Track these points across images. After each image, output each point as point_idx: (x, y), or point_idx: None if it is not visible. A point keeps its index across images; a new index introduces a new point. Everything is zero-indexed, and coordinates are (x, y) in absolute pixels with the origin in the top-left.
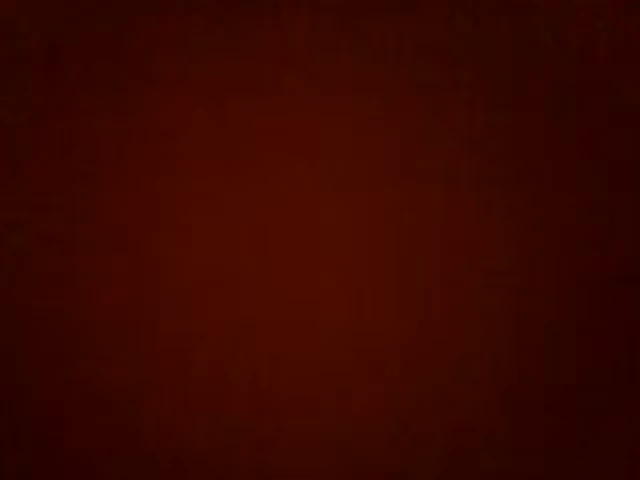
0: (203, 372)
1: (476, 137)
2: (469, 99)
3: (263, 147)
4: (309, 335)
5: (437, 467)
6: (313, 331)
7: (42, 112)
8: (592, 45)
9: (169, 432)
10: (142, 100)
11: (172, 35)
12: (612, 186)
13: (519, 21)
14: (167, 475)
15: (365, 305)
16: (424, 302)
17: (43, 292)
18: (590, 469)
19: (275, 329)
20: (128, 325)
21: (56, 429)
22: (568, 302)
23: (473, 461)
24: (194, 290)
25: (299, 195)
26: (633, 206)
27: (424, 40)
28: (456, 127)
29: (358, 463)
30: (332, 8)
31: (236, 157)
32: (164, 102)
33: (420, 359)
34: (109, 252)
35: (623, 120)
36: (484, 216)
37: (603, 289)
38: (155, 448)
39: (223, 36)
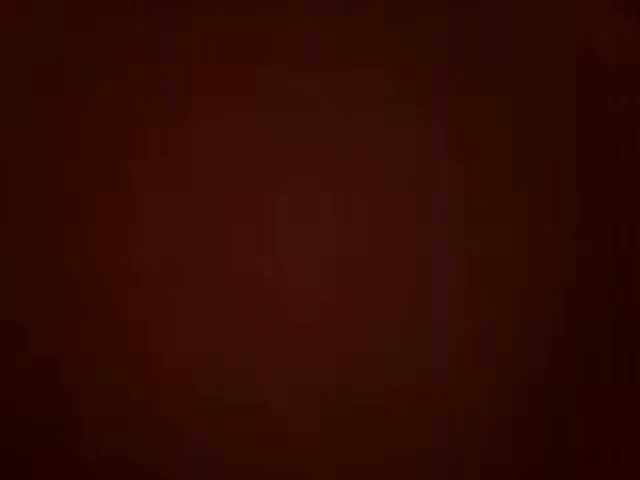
0: (202, 375)
1: (477, 142)
2: (469, 104)
3: (262, 150)
4: (314, 341)
5: (436, 461)
6: (317, 336)
7: (41, 114)
8: (594, 48)
9: (167, 442)
10: (143, 102)
11: (172, 38)
12: (614, 190)
13: (520, 26)
14: None
15: (366, 305)
16: (423, 304)
17: (41, 296)
18: (590, 469)
19: (276, 333)
20: (127, 327)
21: (53, 435)
22: (569, 305)
23: (473, 460)
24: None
25: (300, 198)
26: (634, 208)
27: (425, 42)
28: (455, 132)
29: (359, 463)
30: (326, 9)
31: (235, 157)
32: (164, 103)
33: (420, 360)
34: (108, 255)
35: (626, 123)
36: (484, 218)
37: (604, 292)
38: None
39: (222, 39)
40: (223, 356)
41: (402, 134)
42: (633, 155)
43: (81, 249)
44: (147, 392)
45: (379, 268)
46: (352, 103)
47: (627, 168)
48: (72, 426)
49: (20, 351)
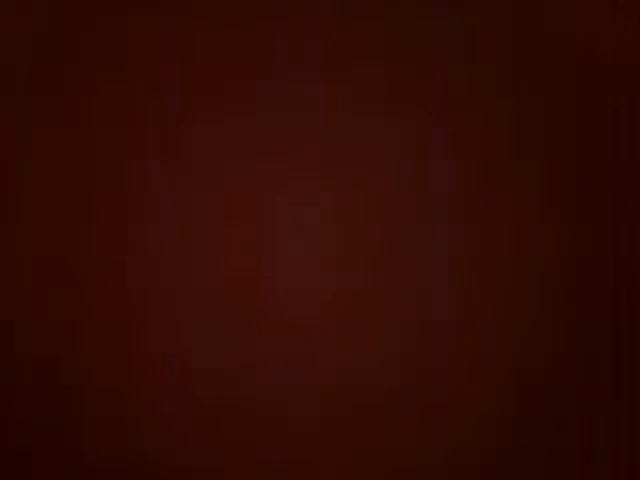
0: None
1: (477, 142)
2: (469, 104)
3: (262, 150)
4: (316, 344)
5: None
6: (320, 337)
7: (41, 114)
8: (595, 50)
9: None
10: (143, 102)
11: (172, 38)
12: (614, 190)
13: (522, 25)
14: None
15: (366, 305)
16: (423, 304)
17: (41, 296)
18: (589, 468)
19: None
20: (127, 330)
21: (54, 438)
22: (569, 305)
23: (473, 460)
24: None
25: (299, 200)
26: (634, 208)
27: (425, 42)
28: (455, 132)
29: (358, 463)
30: (326, 9)
31: (235, 157)
32: (164, 103)
33: (420, 360)
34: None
35: (626, 123)
36: (483, 218)
37: (604, 292)
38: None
39: (222, 39)
40: (223, 356)
41: (402, 134)
42: (633, 155)
43: (81, 249)
44: (147, 392)
45: (379, 268)
46: (352, 103)
47: (627, 168)
48: (72, 426)
49: (20, 351)
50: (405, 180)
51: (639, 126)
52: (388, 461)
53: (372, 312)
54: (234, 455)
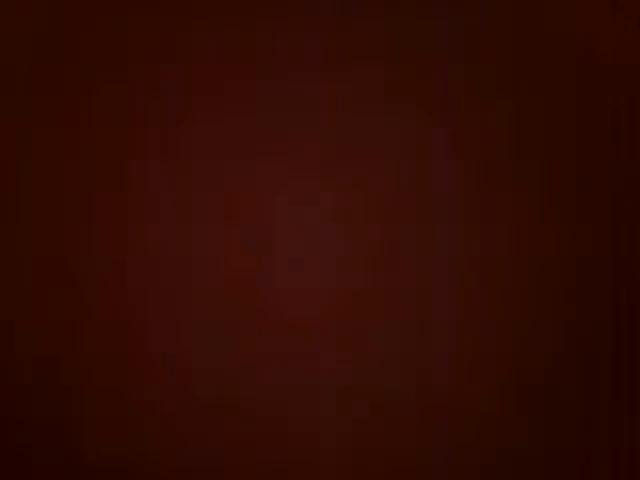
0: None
1: (477, 142)
2: (469, 104)
3: (262, 150)
4: (317, 344)
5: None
6: (320, 337)
7: (41, 114)
8: (595, 50)
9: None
10: (143, 102)
11: (172, 38)
12: (614, 190)
13: (522, 24)
14: None
15: (366, 305)
16: (423, 304)
17: (41, 296)
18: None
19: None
20: (127, 331)
21: (55, 441)
22: (569, 305)
23: (473, 460)
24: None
25: (298, 199)
26: (634, 208)
27: (425, 42)
28: (455, 132)
29: (359, 463)
30: (326, 9)
31: (235, 157)
32: (164, 103)
33: (420, 360)
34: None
35: (626, 123)
36: (483, 218)
37: (604, 292)
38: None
39: (222, 39)
40: (223, 356)
41: (402, 134)
42: (633, 155)
43: (81, 249)
44: (147, 392)
45: (379, 268)
46: (352, 103)
47: (627, 168)
48: (72, 426)
49: (20, 351)
50: (405, 180)
51: (639, 126)
52: (388, 461)
53: (372, 312)
54: (234, 455)
